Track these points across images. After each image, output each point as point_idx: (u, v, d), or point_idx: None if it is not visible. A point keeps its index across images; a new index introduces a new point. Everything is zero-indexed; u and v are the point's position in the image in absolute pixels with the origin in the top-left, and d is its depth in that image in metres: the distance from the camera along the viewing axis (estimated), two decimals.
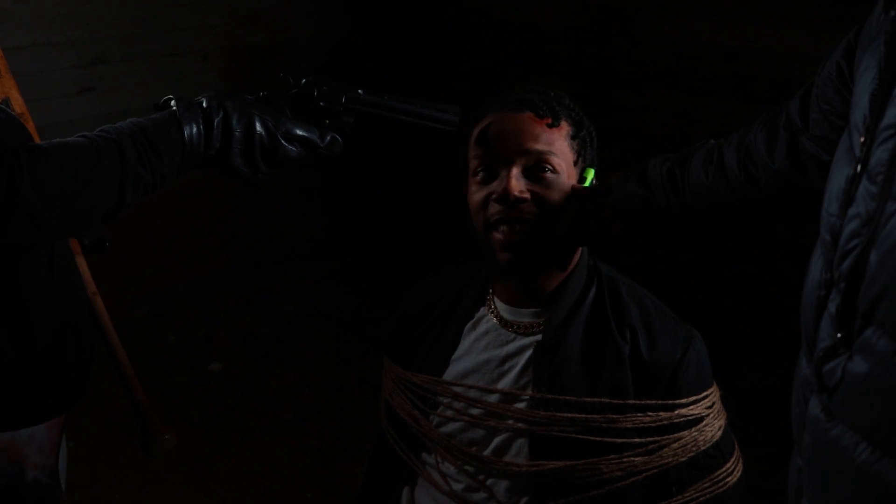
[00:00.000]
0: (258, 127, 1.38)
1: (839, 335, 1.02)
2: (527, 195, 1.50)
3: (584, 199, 1.54)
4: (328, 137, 1.46)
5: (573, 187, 1.55)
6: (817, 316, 1.08)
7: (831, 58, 1.25)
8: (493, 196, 1.51)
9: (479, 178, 1.55)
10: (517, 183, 1.50)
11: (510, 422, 1.53)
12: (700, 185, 1.46)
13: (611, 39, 4.36)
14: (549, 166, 1.52)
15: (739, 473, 1.59)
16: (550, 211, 1.51)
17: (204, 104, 1.37)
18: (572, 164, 1.57)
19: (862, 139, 1.01)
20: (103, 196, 1.27)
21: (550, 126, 1.54)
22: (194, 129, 1.34)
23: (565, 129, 1.56)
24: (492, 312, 1.63)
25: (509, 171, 1.51)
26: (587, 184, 1.57)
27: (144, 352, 4.06)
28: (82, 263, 1.82)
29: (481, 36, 4.83)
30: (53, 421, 1.61)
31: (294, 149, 1.43)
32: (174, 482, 3.31)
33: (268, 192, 4.83)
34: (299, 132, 1.43)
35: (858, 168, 1.01)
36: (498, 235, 1.52)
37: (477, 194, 1.55)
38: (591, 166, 1.61)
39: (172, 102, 1.36)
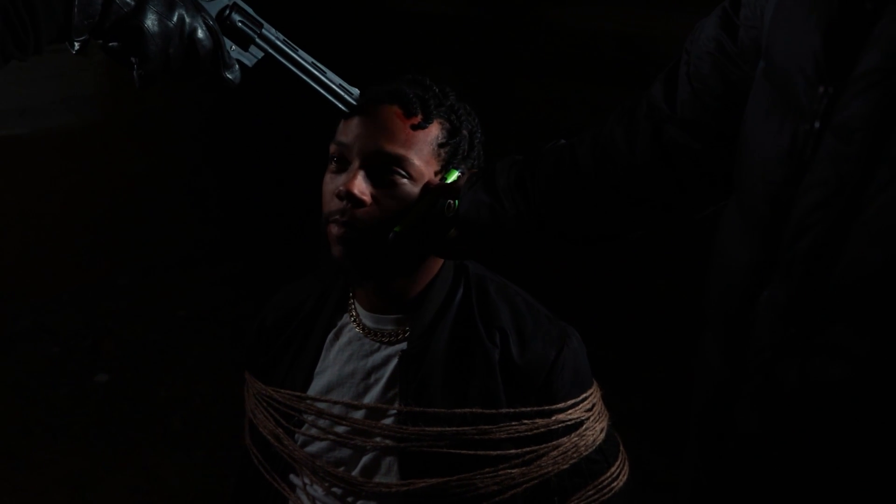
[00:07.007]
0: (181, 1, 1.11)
1: (792, 331, 0.85)
2: (367, 198, 1.35)
3: (433, 194, 1.39)
4: (232, 58, 1.21)
5: (427, 183, 1.39)
6: (745, 305, 0.91)
7: (701, 33, 1.14)
8: (336, 191, 1.37)
9: (332, 166, 1.41)
10: (359, 183, 1.35)
11: (378, 439, 1.42)
12: (553, 193, 1.28)
13: (506, 28, 4.28)
14: (402, 171, 1.36)
15: (626, 476, 1.50)
16: (391, 218, 1.37)
17: None
18: (434, 174, 1.40)
19: (822, 89, 0.83)
20: None
21: (416, 127, 1.37)
22: None
23: (434, 132, 1.40)
24: (354, 321, 1.51)
25: (356, 168, 1.37)
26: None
27: (27, 364, 3.89)
28: None
29: (374, 26, 4.72)
30: None
31: (207, 44, 1.15)
32: (55, 503, 3.13)
33: (158, 192, 4.64)
34: (215, 27, 1.17)
35: (817, 124, 0.83)
36: (333, 229, 1.37)
37: (327, 184, 1.41)
38: (457, 169, 1.44)
39: None
